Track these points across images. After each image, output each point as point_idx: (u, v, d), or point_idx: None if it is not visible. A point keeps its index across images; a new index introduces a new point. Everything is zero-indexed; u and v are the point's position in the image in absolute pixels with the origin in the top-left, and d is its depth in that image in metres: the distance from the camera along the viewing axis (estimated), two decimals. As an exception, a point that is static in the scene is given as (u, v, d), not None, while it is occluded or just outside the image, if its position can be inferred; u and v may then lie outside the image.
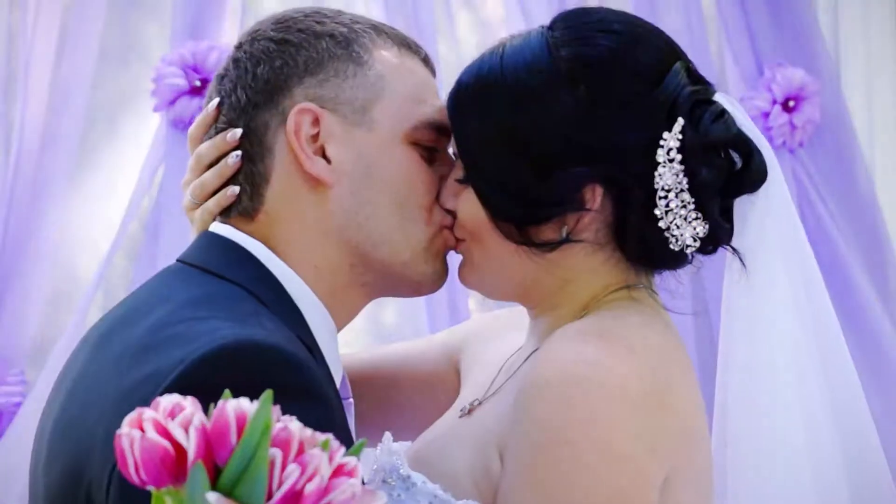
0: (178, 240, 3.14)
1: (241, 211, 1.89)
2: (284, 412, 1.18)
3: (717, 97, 1.89)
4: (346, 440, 1.70)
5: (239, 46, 1.93)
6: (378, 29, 1.94)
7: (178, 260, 1.90)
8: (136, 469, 1.12)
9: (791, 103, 3.60)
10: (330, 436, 1.16)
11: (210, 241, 1.89)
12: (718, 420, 1.93)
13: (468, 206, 1.88)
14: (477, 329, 2.19)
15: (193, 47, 3.23)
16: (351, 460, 1.16)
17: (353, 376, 2.14)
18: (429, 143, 1.92)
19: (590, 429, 1.68)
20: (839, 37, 3.81)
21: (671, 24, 3.48)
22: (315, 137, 1.86)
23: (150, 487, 1.13)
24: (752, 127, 1.89)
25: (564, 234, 1.83)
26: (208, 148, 1.92)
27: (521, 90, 1.84)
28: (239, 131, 1.88)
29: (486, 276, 1.92)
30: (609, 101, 1.82)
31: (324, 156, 1.87)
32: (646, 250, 1.85)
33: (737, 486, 1.90)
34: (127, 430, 1.13)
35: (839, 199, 3.66)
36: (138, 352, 1.69)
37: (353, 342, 3.51)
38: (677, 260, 1.88)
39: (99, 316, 3.32)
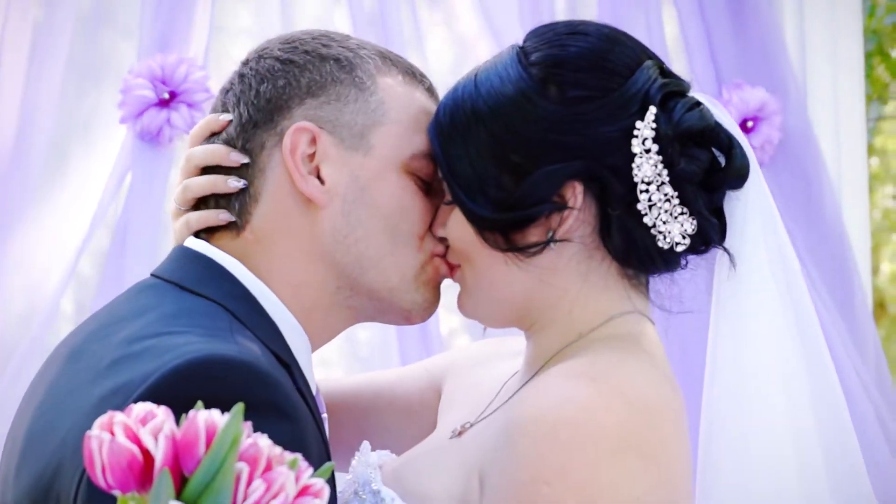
0: (145, 250, 3.14)
1: (228, 227, 1.90)
2: (253, 429, 1.18)
3: (699, 98, 1.91)
4: (321, 458, 1.70)
5: (245, 63, 1.95)
6: (384, 56, 1.95)
7: (152, 274, 1.90)
8: (103, 472, 1.13)
9: (749, 124, 3.61)
10: (298, 455, 1.17)
11: (185, 257, 1.89)
12: (705, 419, 1.94)
13: (456, 226, 1.90)
14: (464, 357, 2.19)
15: (162, 59, 3.22)
16: (318, 482, 1.16)
17: (332, 401, 2.14)
18: (426, 175, 1.93)
19: (570, 471, 1.67)
20: (806, 56, 3.83)
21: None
22: (311, 157, 1.88)
23: (116, 492, 1.13)
24: (733, 125, 1.92)
25: (549, 236, 1.84)
26: (203, 153, 1.92)
27: (496, 103, 1.85)
28: (245, 159, 1.89)
29: (481, 299, 1.92)
30: (580, 97, 1.84)
31: (318, 176, 1.87)
32: (633, 249, 1.85)
33: (720, 484, 1.90)
34: (97, 433, 1.13)
35: (803, 217, 3.66)
36: (110, 364, 1.69)
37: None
38: (667, 261, 1.88)
39: (64, 324, 3.32)
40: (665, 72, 1.91)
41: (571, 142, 1.83)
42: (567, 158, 1.83)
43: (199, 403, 1.16)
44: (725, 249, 1.89)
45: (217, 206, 1.91)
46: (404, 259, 1.91)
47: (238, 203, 1.89)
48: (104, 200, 3.22)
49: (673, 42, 3.72)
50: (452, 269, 1.94)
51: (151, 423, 1.13)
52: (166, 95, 3.19)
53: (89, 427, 1.56)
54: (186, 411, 1.16)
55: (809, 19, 3.82)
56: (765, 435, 1.90)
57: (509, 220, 1.84)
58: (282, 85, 1.89)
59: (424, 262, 1.93)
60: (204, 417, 1.13)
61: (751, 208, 1.91)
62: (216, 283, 1.84)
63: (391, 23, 3.45)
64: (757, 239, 1.91)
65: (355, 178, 1.88)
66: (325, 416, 1.98)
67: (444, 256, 1.94)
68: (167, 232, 3.10)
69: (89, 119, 3.39)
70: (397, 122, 1.91)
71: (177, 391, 1.57)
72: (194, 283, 1.84)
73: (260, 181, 1.88)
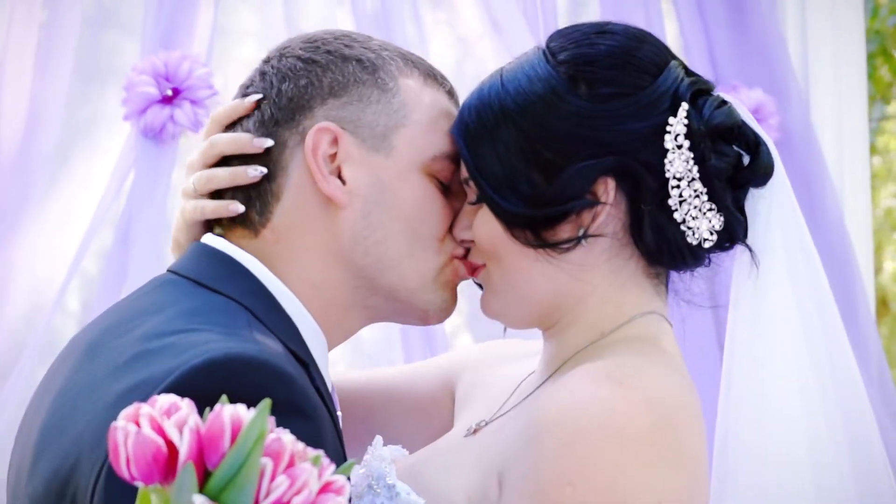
0: (149, 247, 3.13)
1: (247, 224, 1.89)
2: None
3: (725, 97, 1.92)
4: (337, 456, 1.70)
5: (267, 61, 1.95)
6: (406, 58, 1.95)
7: (169, 270, 1.90)
8: (128, 463, 1.12)
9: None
10: (321, 452, 1.17)
11: (203, 253, 1.88)
12: (721, 416, 1.94)
13: (483, 224, 1.90)
14: (478, 356, 2.19)
15: (165, 56, 3.21)
16: (339, 478, 1.16)
17: (342, 396, 2.14)
18: (445, 178, 1.93)
19: (593, 472, 1.67)
20: (808, 56, 3.83)
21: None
22: (332, 158, 1.87)
23: (139, 483, 1.13)
24: (755, 124, 1.93)
25: (582, 233, 1.84)
26: (228, 141, 1.91)
27: (525, 100, 1.86)
28: (270, 142, 1.89)
29: (508, 298, 1.91)
30: (611, 94, 1.85)
31: (339, 177, 1.87)
32: (664, 245, 1.86)
33: (738, 484, 1.91)
34: (123, 424, 1.12)
35: (804, 217, 3.65)
36: (129, 361, 1.68)
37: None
38: (695, 256, 1.88)
39: (69, 321, 3.32)
40: (689, 71, 1.92)
41: (604, 138, 1.83)
42: (600, 154, 1.83)
43: (224, 397, 1.15)
44: (748, 246, 1.90)
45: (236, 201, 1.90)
46: (423, 261, 1.91)
47: (259, 202, 1.89)
48: (107, 197, 3.21)
49: (672, 42, 3.72)
50: (475, 270, 1.94)
51: (176, 416, 1.12)
52: (169, 92, 3.18)
53: (108, 423, 1.56)
54: (206, 409, 1.15)
55: (812, 21, 3.82)
56: (782, 436, 1.91)
57: (542, 217, 1.84)
58: (304, 84, 1.89)
59: (443, 263, 1.93)
60: (230, 412, 1.13)
61: (774, 207, 1.92)
62: (234, 281, 1.84)
63: (394, 23, 3.45)
64: (777, 238, 1.92)
65: (377, 179, 1.88)
66: (339, 413, 1.98)
67: (465, 258, 1.94)
68: (170, 228, 3.10)
69: (93, 117, 3.40)
70: (419, 123, 1.91)
71: (197, 389, 1.55)
72: (212, 279, 1.83)
73: (282, 179, 1.88)
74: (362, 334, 3.51)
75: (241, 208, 1.89)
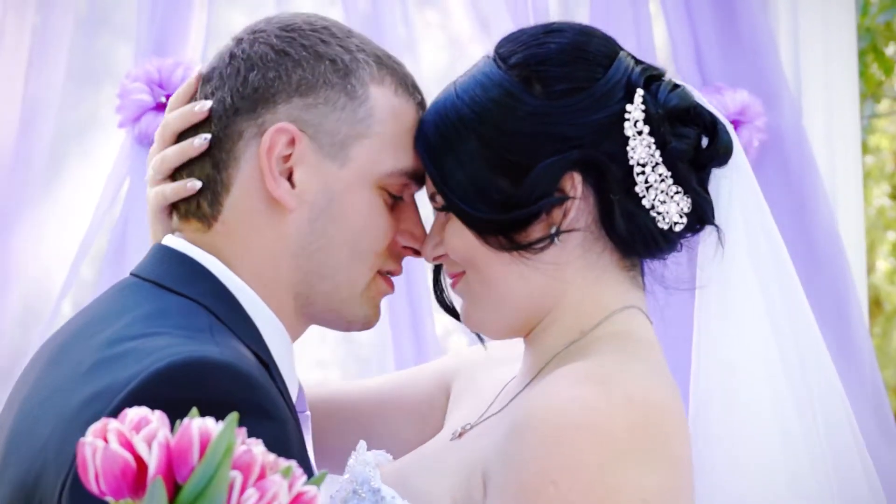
0: (144, 252, 3.13)
1: (200, 217, 1.88)
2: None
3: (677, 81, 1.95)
4: (302, 457, 1.71)
5: (239, 42, 1.91)
6: (381, 62, 1.92)
7: (131, 273, 1.90)
8: (97, 479, 1.13)
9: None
10: (292, 463, 1.17)
11: (164, 255, 1.88)
12: (693, 399, 1.97)
13: (455, 236, 1.91)
14: (471, 358, 2.20)
15: (159, 63, 3.22)
16: (311, 489, 1.17)
17: (338, 407, 2.14)
18: (397, 191, 1.92)
19: (575, 471, 1.69)
20: (799, 54, 3.82)
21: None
22: (286, 158, 1.85)
23: (109, 499, 1.14)
24: (709, 105, 1.96)
25: (554, 230, 1.86)
26: (175, 118, 1.90)
27: (481, 108, 1.87)
28: (209, 103, 1.87)
29: (489, 306, 1.92)
30: (566, 89, 1.87)
31: (290, 178, 1.86)
32: (636, 232, 1.88)
33: (710, 480, 1.92)
34: (91, 440, 1.13)
35: (796, 217, 3.64)
36: (91, 368, 1.68)
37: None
38: (668, 241, 1.91)
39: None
40: (638, 60, 1.95)
41: (565, 132, 1.85)
42: (563, 150, 1.85)
43: (194, 410, 1.17)
44: (717, 227, 1.93)
45: (191, 196, 1.89)
46: (358, 274, 1.90)
47: (210, 192, 1.87)
48: (103, 203, 3.22)
49: (661, 43, 3.72)
50: (454, 281, 1.95)
51: (145, 430, 1.13)
52: (164, 99, 3.19)
53: (71, 432, 1.58)
54: (169, 414, 1.17)
55: (803, 19, 3.81)
56: (752, 429, 1.93)
57: (513, 220, 1.86)
58: (272, 77, 1.86)
59: (372, 278, 1.92)
60: (198, 425, 1.14)
61: (735, 191, 1.95)
62: (195, 282, 1.83)
63: (385, 24, 3.46)
64: (739, 223, 1.95)
65: (326, 187, 1.87)
66: (307, 413, 1.99)
67: (389, 274, 1.96)
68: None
69: (87, 123, 3.40)
70: (380, 136, 1.89)
71: (158, 395, 1.57)
72: (173, 281, 1.83)
73: (233, 170, 1.87)
74: (357, 337, 3.54)
75: (197, 184, 1.87)
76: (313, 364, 3.61)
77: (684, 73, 3.62)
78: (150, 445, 1.12)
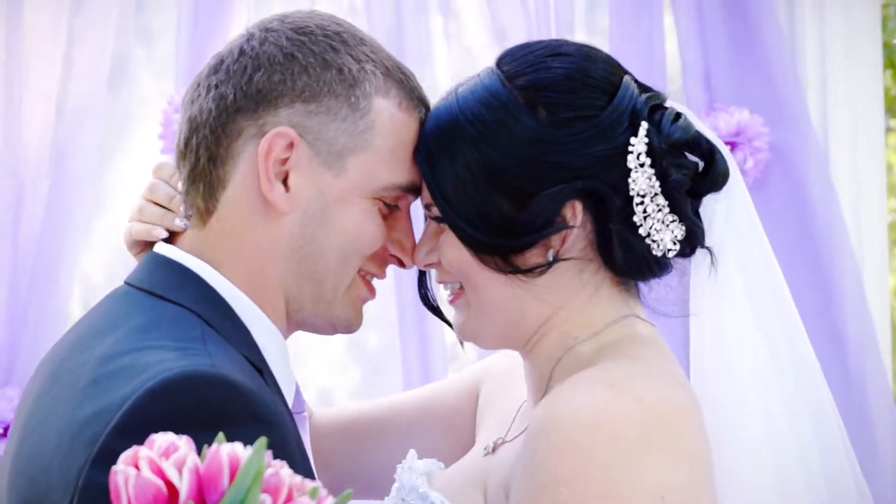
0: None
1: (197, 210, 1.88)
2: (234, 439, 1.20)
3: (678, 107, 1.95)
4: (301, 458, 1.71)
5: (249, 38, 1.90)
6: (388, 73, 1.91)
7: (125, 282, 1.89)
8: (130, 505, 1.13)
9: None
10: (318, 483, 1.18)
11: (155, 263, 1.88)
12: None
13: (451, 249, 1.91)
14: (496, 366, 2.21)
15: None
16: (336, 509, 1.18)
17: (376, 422, 2.16)
18: (392, 202, 1.92)
19: (587, 471, 1.70)
20: (826, 67, 3.81)
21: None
22: (283, 161, 1.85)
23: (142, 524, 1.14)
24: (704, 128, 1.96)
25: (551, 257, 1.87)
26: (150, 214, 1.97)
27: (483, 126, 1.87)
28: (164, 234, 1.93)
29: (484, 319, 1.93)
30: (572, 117, 1.87)
31: (285, 181, 1.85)
32: (631, 259, 1.88)
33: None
34: (122, 468, 1.14)
35: (806, 234, 3.63)
36: (87, 386, 1.68)
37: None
38: (661, 266, 1.92)
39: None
40: (641, 85, 1.94)
41: (571, 163, 1.85)
42: (567, 179, 1.85)
43: (221, 436, 1.17)
44: (709, 249, 1.93)
45: (188, 190, 1.90)
46: (342, 276, 1.91)
47: (207, 186, 1.88)
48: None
49: (672, 60, 3.71)
50: (453, 299, 1.96)
51: (175, 457, 1.14)
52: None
53: (71, 454, 1.58)
54: (168, 430, 1.17)
55: (828, 34, 3.80)
56: (745, 430, 1.95)
57: (512, 245, 1.86)
58: (277, 80, 1.85)
59: (354, 280, 1.92)
60: (227, 450, 1.15)
61: (728, 209, 1.96)
62: (186, 288, 1.83)
63: (406, 35, 3.45)
64: (731, 238, 1.96)
65: (320, 194, 1.87)
66: (304, 414, 1.99)
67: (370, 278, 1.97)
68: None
69: (126, 123, 3.42)
70: (378, 150, 1.89)
71: (154, 413, 1.56)
72: (164, 288, 1.83)
73: (230, 167, 1.86)
74: (365, 342, 3.54)
75: (163, 234, 1.92)
76: (321, 365, 3.62)
77: (692, 91, 3.61)
78: (180, 471, 1.13)
